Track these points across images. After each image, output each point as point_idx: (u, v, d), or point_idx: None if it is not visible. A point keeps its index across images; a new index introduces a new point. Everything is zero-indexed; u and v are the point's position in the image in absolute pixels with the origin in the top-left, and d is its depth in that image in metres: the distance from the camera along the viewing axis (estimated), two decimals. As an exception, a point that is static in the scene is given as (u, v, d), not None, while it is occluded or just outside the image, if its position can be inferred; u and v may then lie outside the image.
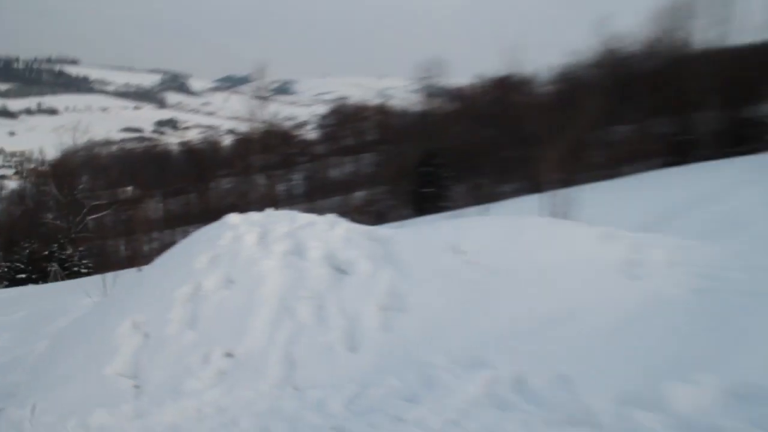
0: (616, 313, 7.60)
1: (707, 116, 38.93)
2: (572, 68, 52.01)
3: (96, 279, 19.48)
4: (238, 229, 9.73)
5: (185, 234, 10.95)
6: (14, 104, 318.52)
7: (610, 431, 5.15)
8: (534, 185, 18.82)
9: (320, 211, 11.42)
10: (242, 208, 11.13)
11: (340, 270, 8.96)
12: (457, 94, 71.86)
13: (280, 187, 69.00)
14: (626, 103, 40.98)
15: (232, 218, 10.11)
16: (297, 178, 79.84)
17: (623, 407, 5.51)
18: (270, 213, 10.56)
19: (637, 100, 41.01)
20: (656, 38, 43.91)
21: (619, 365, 6.34)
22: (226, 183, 74.62)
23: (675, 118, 39.88)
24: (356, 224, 10.53)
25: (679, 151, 37.26)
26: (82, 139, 59.51)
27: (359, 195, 64.20)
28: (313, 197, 68.79)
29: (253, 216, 10.31)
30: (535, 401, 5.89)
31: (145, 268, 10.74)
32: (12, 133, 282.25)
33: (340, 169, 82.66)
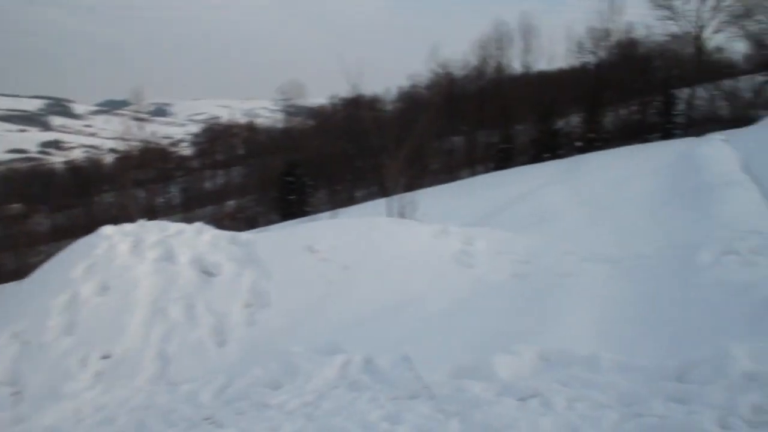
0: (451, 298, 7.70)
1: (524, 128, 40.61)
2: (412, 88, 53.10)
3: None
4: (112, 239, 9.18)
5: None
6: None
7: (445, 401, 5.15)
8: (383, 190, 19.05)
9: (197, 220, 10.99)
10: (124, 219, 10.51)
11: (208, 272, 8.63)
12: (314, 112, 71.70)
13: (160, 200, 66.54)
14: (458, 117, 42.09)
15: (107, 230, 9.52)
16: (174, 191, 77.20)
17: (457, 379, 5.55)
18: (142, 223, 10.03)
19: (467, 115, 42.17)
20: (480, 63, 45.37)
21: (454, 342, 6.41)
22: (108, 197, 71.20)
23: (498, 130, 41.27)
24: (222, 230, 10.19)
25: (503, 157, 38.68)
26: (-32, 162, 55.40)
27: (231, 203, 62.85)
28: (190, 207, 66.58)
29: (127, 227, 9.75)
30: (382, 380, 5.84)
31: (25, 280, 9.98)
32: None
33: (214, 181, 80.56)
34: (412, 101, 49.49)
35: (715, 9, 36.30)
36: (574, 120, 39.75)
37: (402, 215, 12.68)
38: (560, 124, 39.32)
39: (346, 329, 7.18)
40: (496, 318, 6.92)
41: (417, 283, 8.05)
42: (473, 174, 37.01)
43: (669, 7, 37.04)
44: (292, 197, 42.60)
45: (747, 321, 5.72)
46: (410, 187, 20.72)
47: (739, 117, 32.32)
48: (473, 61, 45.39)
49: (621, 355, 5.50)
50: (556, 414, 4.72)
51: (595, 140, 35.22)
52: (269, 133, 76.01)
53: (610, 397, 4.88)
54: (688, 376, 4.96)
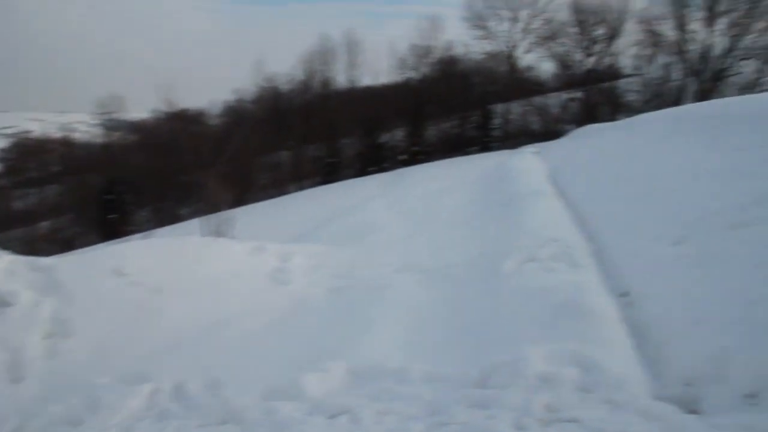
0: (266, 317, 7.59)
1: (349, 142, 41.25)
2: (237, 103, 52.41)
3: None
4: None
5: None
6: None
7: (253, 424, 5.04)
8: (209, 207, 18.55)
9: (4, 244, 10.06)
10: None
11: (2, 302, 7.93)
12: (136, 127, 68.80)
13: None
14: (285, 132, 42.00)
15: None
16: (-23, 213, 70.69)
17: (268, 401, 5.45)
18: None
19: (293, 129, 42.17)
20: (306, 77, 45.56)
21: (267, 363, 6.31)
22: None
23: (325, 144, 41.64)
24: (24, 255, 9.40)
25: (329, 171, 39.09)
26: None
27: (46, 225, 58.61)
28: (-5, 231, 61.31)
29: None
30: (192, 407, 5.62)
31: None
32: None
33: (25, 201, 74.86)
34: (237, 116, 48.82)
35: (525, 31, 39.08)
36: (399, 134, 40.98)
37: (219, 233, 12.37)
38: (385, 137, 40.40)
39: (156, 356, 6.86)
40: (311, 335, 6.90)
41: (231, 304, 7.86)
42: (300, 188, 37.06)
43: (484, 27, 39.44)
44: (112, 216, 40.59)
45: (543, 325, 6.09)
46: (236, 202, 20.32)
47: (549, 131, 34.88)
48: (299, 75, 45.54)
49: (428, 365, 5.66)
50: (365, 429, 4.76)
51: (418, 153, 36.58)
52: (87, 148, 71.96)
53: (417, 408, 4.99)
54: (489, 382, 5.19)
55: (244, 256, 9.23)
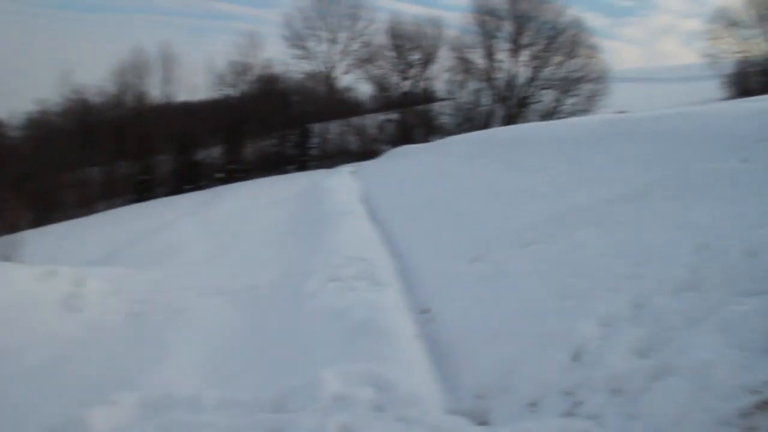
0: (53, 348, 7.01)
1: (164, 159, 39.75)
2: (41, 115, 48.86)
3: None
4: None
5: None
6: None
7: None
8: (3, 227, 16.91)
9: None
10: None
11: None
12: None
13: None
14: (94, 147, 39.69)
15: None
16: None
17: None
18: None
19: (104, 145, 39.97)
20: (119, 91, 43.39)
21: (49, 399, 5.82)
22: None
23: (138, 161, 39.85)
24: None
25: (142, 189, 37.42)
26: None
27: None
28: None
29: None
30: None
31: None
32: None
33: None
34: (41, 129, 45.46)
35: (344, 52, 39.82)
36: (216, 151, 40.17)
37: (4, 257, 11.34)
38: (202, 155, 39.47)
39: None
40: (102, 365, 6.47)
41: (12, 336, 7.18)
42: (111, 207, 35.16)
43: (303, 47, 39.74)
44: None
45: (340, 345, 6.12)
46: (37, 222, 18.86)
47: (366, 150, 35.68)
48: (110, 88, 43.27)
49: (224, 391, 5.48)
50: (152, 463, 4.50)
51: (235, 171, 36.04)
52: None
53: (210, 436, 4.79)
54: (284, 406, 5.11)
55: (32, 282, 8.50)
